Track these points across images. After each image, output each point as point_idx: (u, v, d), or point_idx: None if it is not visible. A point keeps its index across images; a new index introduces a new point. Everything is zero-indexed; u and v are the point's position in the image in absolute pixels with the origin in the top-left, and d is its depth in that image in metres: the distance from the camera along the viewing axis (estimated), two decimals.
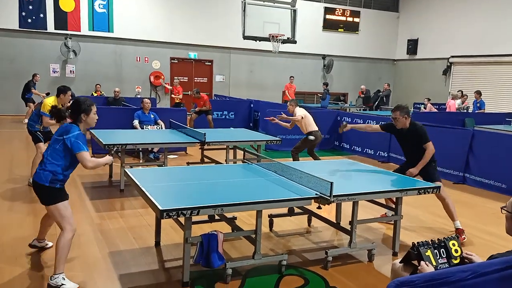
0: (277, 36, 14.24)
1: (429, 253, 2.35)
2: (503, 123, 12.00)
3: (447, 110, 14.56)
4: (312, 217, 5.25)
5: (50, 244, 4.37)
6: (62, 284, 3.57)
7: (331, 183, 3.70)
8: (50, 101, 6.27)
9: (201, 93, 12.36)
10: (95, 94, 14.71)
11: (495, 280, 1.85)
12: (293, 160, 7.69)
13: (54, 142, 3.65)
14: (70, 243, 3.66)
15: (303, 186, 4.11)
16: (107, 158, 3.91)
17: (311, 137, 7.85)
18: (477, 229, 5.57)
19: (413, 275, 1.89)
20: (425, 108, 15.41)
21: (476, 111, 13.91)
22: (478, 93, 14.43)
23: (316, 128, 7.92)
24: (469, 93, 15.27)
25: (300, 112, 7.84)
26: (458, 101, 14.42)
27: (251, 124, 13.62)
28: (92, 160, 3.69)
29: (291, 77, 17.79)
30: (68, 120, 3.81)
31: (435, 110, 15.06)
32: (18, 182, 6.83)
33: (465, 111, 14.13)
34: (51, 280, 3.60)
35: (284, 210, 5.12)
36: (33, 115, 6.59)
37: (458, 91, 15.35)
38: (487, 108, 14.83)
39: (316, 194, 3.84)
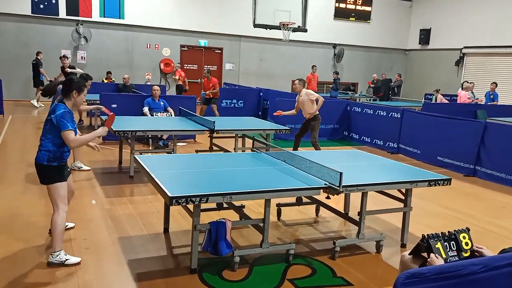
0: (287, 24, 14.12)
1: (439, 245, 2.32)
2: None
3: (458, 101, 14.35)
4: (320, 207, 5.24)
5: (71, 224, 4.50)
6: (66, 259, 3.71)
7: (341, 173, 3.68)
8: None
9: (212, 77, 12.23)
10: (105, 81, 14.74)
11: (507, 274, 1.83)
12: (316, 150, 7.64)
13: (45, 123, 3.75)
14: (65, 221, 3.80)
15: (312, 175, 4.09)
16: (99, 131, 3.93)
17: (319, 118, 7.95)
18: (487, 222, 5.52)
19: (423, 267, 1.88)
20: (436, 100, 15.22)
21: (489, 103, 13.69)
22: (495, 84, 14.17)
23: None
24: (482, 84, 14.99)
25: (313, 93, 7.91)
26: (469, 93, 14.15)
27: (260, 113, 13.58)
28: (75, 140, 3.71)
29: (313, 66, 16.76)
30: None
31: (446, 101, 14.87)
32: (31, 165, 6.89)
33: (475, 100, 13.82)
34: (52, 257, 3.70)
35: (292, 200, 5.12)
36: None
37: (464, 81, 15.07)
38: (500, 100, 14.61)
39: (325, 184, 3.82)
